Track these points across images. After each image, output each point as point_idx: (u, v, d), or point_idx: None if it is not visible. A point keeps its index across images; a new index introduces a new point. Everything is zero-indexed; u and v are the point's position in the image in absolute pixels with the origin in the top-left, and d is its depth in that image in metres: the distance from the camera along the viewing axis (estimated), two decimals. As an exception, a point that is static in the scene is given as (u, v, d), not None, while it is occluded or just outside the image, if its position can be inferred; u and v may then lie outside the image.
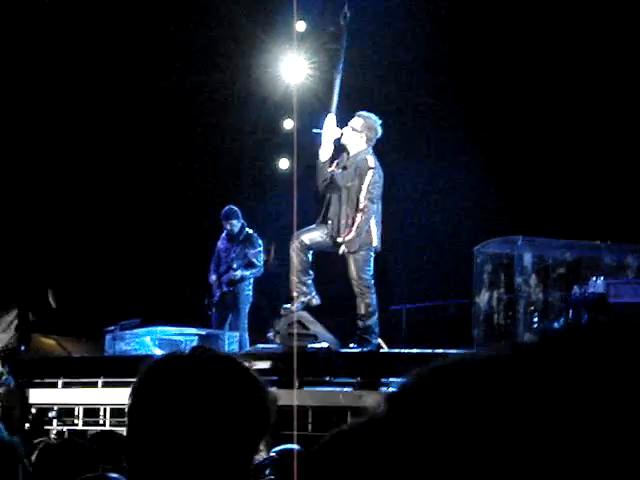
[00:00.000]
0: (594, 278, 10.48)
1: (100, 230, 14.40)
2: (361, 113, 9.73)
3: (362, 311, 9.73)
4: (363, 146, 9.63)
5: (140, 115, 14.35)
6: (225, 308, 12.11)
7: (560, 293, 11.17)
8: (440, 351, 9.62)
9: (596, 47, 12.60)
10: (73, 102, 14.21)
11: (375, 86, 13.02)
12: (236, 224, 12.12)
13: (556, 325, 11.14)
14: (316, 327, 10.46)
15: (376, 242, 9.64)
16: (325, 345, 10.06)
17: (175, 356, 2.02)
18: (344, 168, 9.61)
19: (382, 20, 12.96)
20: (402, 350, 9.99)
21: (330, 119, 9.80)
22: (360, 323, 9.79)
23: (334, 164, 9.73)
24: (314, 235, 9.77)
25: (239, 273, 12.03)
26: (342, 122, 9.75)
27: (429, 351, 9.65)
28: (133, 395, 1.96)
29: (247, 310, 12.14)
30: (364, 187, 9.45)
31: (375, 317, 9.80)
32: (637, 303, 9.11)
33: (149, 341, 11.67)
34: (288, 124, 13.61)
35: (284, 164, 14.38)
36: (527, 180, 12.44)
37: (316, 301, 9.89)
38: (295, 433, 5.94)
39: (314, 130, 9.79)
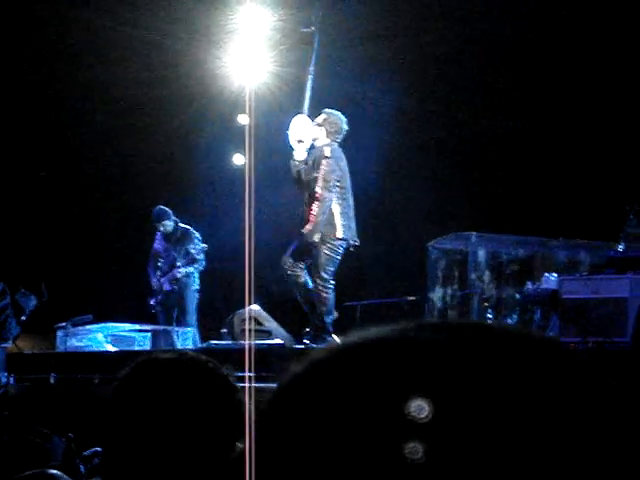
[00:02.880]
0: (547, 274, 10.55)
1: (50, 225, 14.28)
2: (325, 110, 9.80)
3: (318, 307, 9.70)
4: (324, 140, 9.66)
5: (99, 110, 14.24)
6: (171, 306, 12.08)
7: (513, 289, 11.24)
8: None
9: (560, 45, 12.68)
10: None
11: (335, 80, 13.02)
12: (169, 224, 12.11)
13: (509, 321, 11.20)
14: (270, 323, 10.45)
15: (341, 234, 9.54)
16: (279, 341, 10.04)
17: (153, 358, 2.01)
18: (306, 163, 9.66)
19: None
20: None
21: (300, 119, 9.84)
22: (316, 320, 9.77)
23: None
24: (290, 249, 9.78)
25: (183, 270, 12.04)
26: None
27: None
28: (112, 397, 1.95)
29: (195, 306, 12.13)
30: (319, 176, 9.45)
31: (331, 314, 9.77)
32: (590, 299, 9.17)
33: (101, 337, 11.59)
34: (243, 119, 13.54)
35: (239, 160, 14.31)
36: (481, 176, 12.48)
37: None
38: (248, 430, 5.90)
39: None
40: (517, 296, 11.08)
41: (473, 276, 11.48)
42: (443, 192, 12.74)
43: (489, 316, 11.21)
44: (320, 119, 9.73)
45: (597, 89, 12.53)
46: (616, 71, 12.48)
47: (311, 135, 9.70)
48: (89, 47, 13.98)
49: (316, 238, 9.47)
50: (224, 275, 12.83)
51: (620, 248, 10.14)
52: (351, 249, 9.76)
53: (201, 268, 12.19)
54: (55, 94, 14.22)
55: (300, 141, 9.71)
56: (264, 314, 10.53)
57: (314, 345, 9.69)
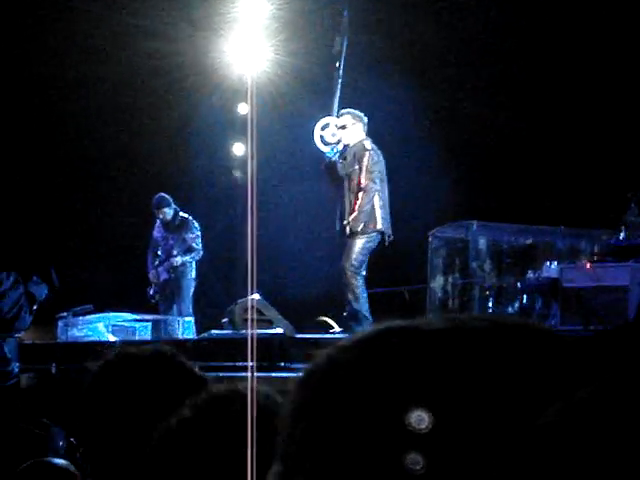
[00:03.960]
0: (548, 263, 10.55)
1: (51, 215, 14.27)
2: (343, 111, 9.93)
3: (347, 295, 9.77)
4: (361, 135, 9.80)
5: (99, 100, 14.22)
6: (170, 295, 12.09)
7: (514, 278, 11.24)
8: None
9: (557, 35, 12.66)
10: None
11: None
12: (168, 212, 12.11)
13: (510, 310, 11.20)
14: (271, 313, 10.46)
15: (380, 225, 9.67)
16: (280, 331, 10.05)
17: (122, 354, 2.01)
18: (344, 159, 9.76)
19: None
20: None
21: (327, 121, 10.01)
22: (347, 309, 9.86)
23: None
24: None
25: (179, 259, 12.05)
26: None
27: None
28: (85, 393, 1.95)
29: (191, 295, 12.15)
30: (363, 167, 9.57)
31: (362, 303, 9.82)
32: (590, 287, 9.18)
33: (102, 327, 11.61)
34: (243, 108, 13.54)
35: (239, 149, 14.31)
36: (482, 165, 12.47)
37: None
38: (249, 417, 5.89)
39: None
40: (518, 285, 11.07)
41: (474, 265, 11.47)
42: (444, 180, 12.73)
43: (490, 305, 11.21)
44: (348, 121, 9.80)
45: (597, 77, 12.51)
46: (615, 61, 12.46)
47: (347, 139, 9.78)
48: (88, 37, 13.96)
49: (359, 227, 9.55)
50: (224, 264, 12.85)
51: (621, 236, 10.15)
52: (386, 243, 9.85)
53: (198, 257, 12.19)
54: (55, 84, 14.19)
55: (327, 143, 9.89)
56: (265, 303, 10.53)
57: (343, 334, 9.74)
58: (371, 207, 9.60)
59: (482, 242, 11.55)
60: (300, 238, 13.89)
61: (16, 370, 10.19)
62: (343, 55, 10.60)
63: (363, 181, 9.56)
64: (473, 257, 11.41)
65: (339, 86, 10.38)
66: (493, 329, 0.84)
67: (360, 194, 9.57)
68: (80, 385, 2.01)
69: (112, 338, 11.49)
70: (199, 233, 12.16)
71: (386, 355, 0.82)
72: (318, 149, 10.06)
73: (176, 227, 12.16)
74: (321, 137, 10.20)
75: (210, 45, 12.51)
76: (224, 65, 12.22)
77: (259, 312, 10.06)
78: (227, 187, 14.31)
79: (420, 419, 0.78)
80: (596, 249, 11.07)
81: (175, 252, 12.07)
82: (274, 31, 11.91)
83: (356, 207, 9.56)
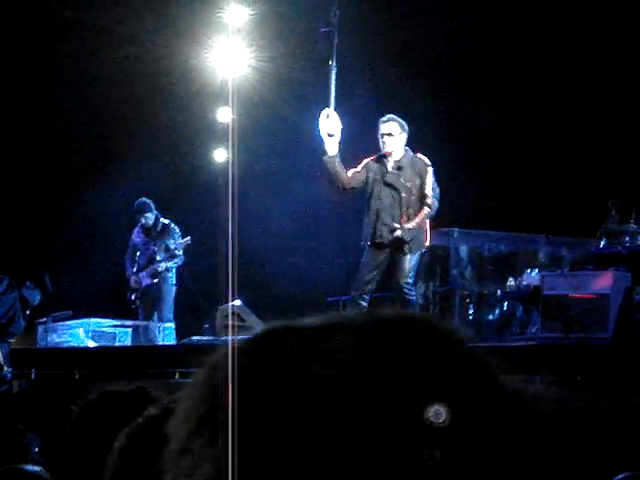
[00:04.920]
0: (529, 270, 10.57)
1: (29, 218, 14.22)
2: (390, 117, 9.74)
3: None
4: (403, 145, 9.69)
5: (82, 107, 14.19)
6: (150, 300, 12.07)
7: (495, 285, 11.26)
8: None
9: (540, 43, 12.70)
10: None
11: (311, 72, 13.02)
12: (150, 217, 12.11)
13: (491, 317, 11.22)
14: (252, 319, 10.44)
15: (428, 243, 9.73)
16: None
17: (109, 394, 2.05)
18: (399, 168, 9.59)
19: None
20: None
21: (327, 113, 9.89)
22: None
23: (369, 165, 9.71)
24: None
25: (163, 265, 12.03)
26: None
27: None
28: (68, 434, 1.97)
29: (172, 300, 12.13)
30: (428, 183, 9.51)
31: None
32: (571, 295, 9.20)
33: (82, 333, 11.57)
34: (225, 114, 13.52)
35: (220, 155, 14.28)
36: (463, 171, 12.49)
37: None
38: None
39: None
40: (499, 292, 11.09)
41: (455, 272, 11.48)
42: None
43: (470, 312, 11.23)
44: (396, 129, 9.65)
45: (580, 86, 12.56)
46: (597, 72, 12.51)
47: (393, 147, 9.62)
48: (70, 43, 13.92)
49: (409, 238, 9.44)
50: (205, 270, 12.81)
51: (602, 244, 10.18)
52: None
53: (180, 263, 12.20)
54: (36, 90, 14.15)
55: (330, 135, 9.75)
56: (246, 310, 10.52)
57: None
58: (426, 226, 9.63)
59: (463, 249, 11.56)
60: (282, 243, 13.88)
61: (9, 376, 10.14)
62: (335, 44, 10.50)
63: (429, 199, 9.50)
64: (454, 264, 11.43)
65: (334, 76, 10.30)
66: (369, 324, 0.86)
67: (425, 208, 9.49)
68: (60, 392, 2.02)
69: (92, 344, 11.46)
70: (181, 240, 12.15)
71: (266, 355, 0.85)
72: (321, 140, 9.93)
73: (158, 233, 12.15)
74: (324, 128, 10.13)
75: (193, 51, 12.49)
76: (206, 71, 12.21)
77: (239, 318, 10.04)
78: (209, 192, 14.28)
79: (438, 413, 0.79)
80: (577, 257, 11.10)
81: (159, 258, 12.05)
82: (255, 37, 11.91)
83: (416, 219, 9.46)
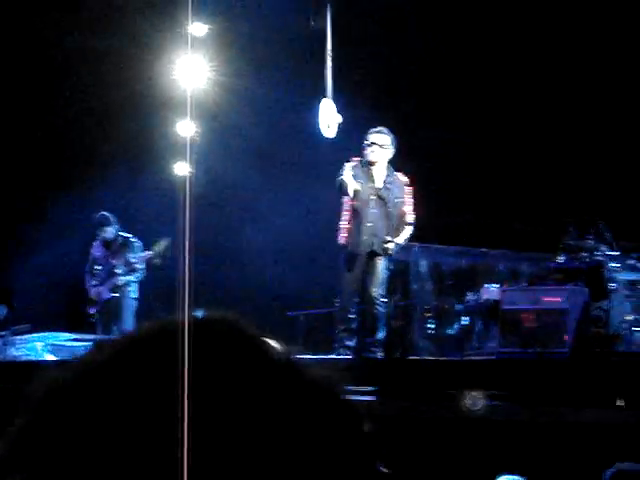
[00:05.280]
0: (488, 285, 10.63)
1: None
2: (382, 129, 9.90)
3: (373, 323, 9.74)
4: (387, 160, 9.88)
5: (45, 118, 14.11)
6: (110, 314, 12.01)
7: (455, 299, 11.31)
8: (335, 357, 9.66)
9: (480, 60, 12.79)
10: None
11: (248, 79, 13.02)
12: (110, 230, 12.07)
13: (450, 331, 11.26)
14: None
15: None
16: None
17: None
18: (390, 183, 9.83)
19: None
20: (298, 356, 9.96)
21: (327, 103, 9.99)
22: (367, 336, 9.84)
23: (354, 170, 9.82)
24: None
25: (123, 279, 11.98)
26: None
27: (324, 357, 9.67)
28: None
29: (133, 315, 12.08)
30: (410, 203, 9.85)
31: (383, 330, 9.84)
32: (530, 310, 9.26)
33: (40, 347, 11.48)
34: (185, 128, 13.49)
35: (181, 168, 14.25)
36: (423, 187, 12.54)
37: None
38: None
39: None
40: (458, 307, 11.14)
41: (415, 286, 11.53)
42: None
43: (430, 326, 11.26)
44: (387, 141, 9.86)
45: (538, 101, 12.66)
46: (554, 89, 12.63)
47: (379, 158, 9.81)
48: (33, 56, 13.86)
49: (394, 253, 9.75)
50: (166, 283, 12.76)
51: (560, 259, 10.26)
52: None
53: (141, 277, 12.15)
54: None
55: (330, 126, 9.89)
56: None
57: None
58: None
59: (423, 264, 11.62)
60: (243, 256, 13.87)
61: None
62: (329, 30, 10.57)
63: (411, 218, 9.82)
64: (414, 279, 11.47)
65: (329, 64, 10.36)
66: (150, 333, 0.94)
67: (408, 228, 9.81)
68: (16, 407, 1.99)
69: (50, 358, 11.37)
70: (142, 254, 12.10)
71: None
72: (322, 136, 10.06)
73: (118, 247, 12.10)
74: (324, 122, 10.23)
75: (155, 64, 12.47)
76: (168, 84, 12.18)
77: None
78: (169, 206, 14.23)
79: (476, 401, 0.81)
80: (536, 272, 11.18)
81: (119, 272, 12.01)
82: (217, 51, 11.91)
83: (403, 240, 9.84)
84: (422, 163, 12.76)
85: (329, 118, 9.92)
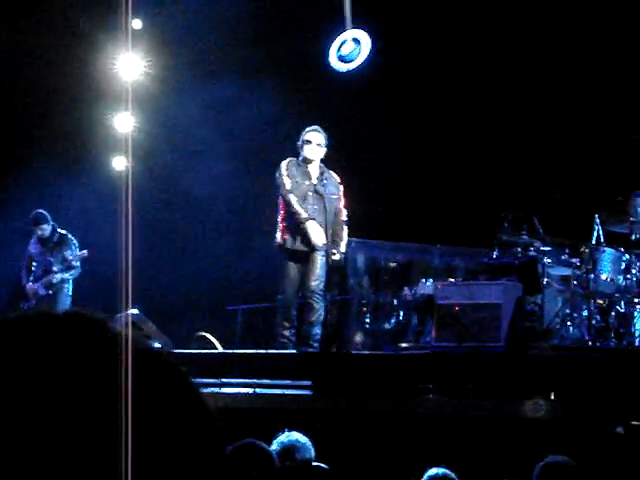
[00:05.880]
0: (423, 280, 10.73)
1: None
2: (317, 128, 10.01)
3: (311, 316, 9.77)
4: (321, 158, 10.02)
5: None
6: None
7: (391, 294, 11.40)
8: (273, 352, 9.71)
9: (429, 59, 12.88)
10: None
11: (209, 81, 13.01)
12: (47, 228, 12.01)
13: (387, 326, 11.35)
14: (149, 327, 10.41)
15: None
16: (158, 345, 10.01)
17: None
18: (326, 179, 9.92)
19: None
20: (236, 351, 10.02)
21: (344, 37, 10.39)
22: (304, 329, 9.86)
23: (289, 169, 9.90)
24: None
25: (59, 276, 11.95)
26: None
27: (262, 352, 9.72)
28: None
29: None
30: (343, 199, 10.01)
31: (320, 324, 9.88)
32: (464, 304, 9.36)
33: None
34: (123, 122, 13.44)
35: (119, 163, 14.19)
36: (360, 181, 12.62)
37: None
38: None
39: None
40: (395, 301, 11.23)
41: (352, 281, 11.60)
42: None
43: (367, 321, 11.34)
44: (323, 140, 9.97)
45: (474, 96, 12.77)
46: (488, 86, 12.75)
47: (316, 156, 9.94)
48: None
49: (340, 260, 9.96)
50: (103, 280, 12.70)
51: (494, 255, 10.38)
52: None
53: (76, 275, 12.11)
54: None
55: (347, 60, 10.05)
56: (143, 318, 10.48)
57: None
58: None
59: (360, 259, 11.69)
60: (182, 251, 13.86)
61: None
62: None
63: (345, 216, 10.00)
64: (352, 274, 11.54)
65: None
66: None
67: (344, 228, 9.97)
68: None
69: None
70: (78, 252, 12.05)
71: None
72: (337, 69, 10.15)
73: (55, 244, 12.05)
74: (340, 56, 10.28)
75: (93, 58, 12.40)
76: (107, 78, 12.13)
77: (137, 327, 10.00)
78: (108, 201, 14.16)
79: (538, 407, 0.84)
80: (471, 267, 11.29)
81: (55, 269, 11.95)
82: (154, 45, 11.89)
83: (343, 237, 9.96)
84: (360, 158, 12.85)
85: (346, 48, 10.19)
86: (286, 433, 5.41)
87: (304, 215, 9.74)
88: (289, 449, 5.28)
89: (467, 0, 12.88)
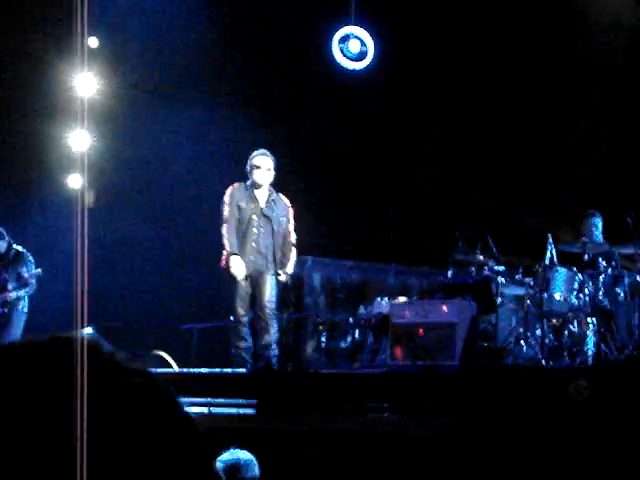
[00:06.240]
0: (379, 299, 10.77)
1: None
2: (265, 152, 9.94)
3: (266, 338, 9.74)
4: (269, 182, 9.95)
5: None
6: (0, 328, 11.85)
7: (347, 313, 11.42)
8: (229, 371, 9.69)
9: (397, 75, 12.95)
10: None
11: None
12: (2, 244, 11.89)
13: (343, 345, 11.38)
14: (105, 347, 10.34)
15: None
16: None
17: None
18: (273, 202, 9.87)
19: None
20: (192, 370, 9.99)
21: (346, 31, 10.73)
22: (260, 349, 9.82)
23: (234, 195, 9.87)
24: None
25: (14, 294, 11.83)
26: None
27: (217, 371, 9.69)
28: None
29: (22, 329, 11.93)
30: (292, 221, 9.94)
31: (275, 343, 9.88)
32: (419, 323, 9.40)
33: None
34: (79, 140, 13.41)
35: (75, 181, 14.13)
36: (316, 200, 12.66)
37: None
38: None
39: None
40: (350, 320, 11.26)
41: (308, 300, 11.62)
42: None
43: (323, 339, 11.36)
44: (272, 164, 9.90)
45: (433, 110, 12.86)
46: (449, 99, 12.84)
47: (266, 181, 9.86)
48: None
49: (287, 281, 10.02)
50: (58, 298, 12.63)
51: (449, 274, 10.43)
52: None
53: (32, 292, 12.00)
54: None
55: (350, 56, 10.07)
56: (98, 337, 10.41)
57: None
58: None
59: (316, 277, 11.72)
60: (137, 270, 13.80)
61: None
62: None
63: (294, 238, 9.92)
64: (308, 292, 11.56)
65: None
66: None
67: (294, 249, 9.89)
68: None
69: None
70: (34, 270, 11.95)
71: None
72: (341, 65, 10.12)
73: (10, 260, 11.92)
74: (342, 50, 10.22)
75: (48, 75, 12.36)
76: (62, 95, 12.10)
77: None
78: (64, 217, 14.07)
79: (581, 389, 0.85)
80: (426, 286, 11.35)
81: (10, 287, 11.84)
82: (110, 63, 11.88)
83: (292, 263, 9.89)
84: (316, 176, 12.89)
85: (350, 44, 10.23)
86: (230, 451, 5.40)
87: (228, 249, 9.72)
88: (234, 467, 5.27)
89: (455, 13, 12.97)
